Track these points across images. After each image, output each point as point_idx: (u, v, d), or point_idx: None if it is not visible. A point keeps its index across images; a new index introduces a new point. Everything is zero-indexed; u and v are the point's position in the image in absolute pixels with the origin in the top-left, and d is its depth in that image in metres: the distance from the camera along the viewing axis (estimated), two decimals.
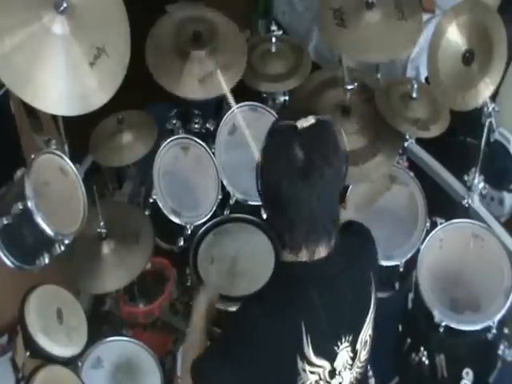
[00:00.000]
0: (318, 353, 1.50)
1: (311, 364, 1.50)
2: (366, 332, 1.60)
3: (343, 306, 1.54)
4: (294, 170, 1.43)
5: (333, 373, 1.55)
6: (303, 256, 1.52)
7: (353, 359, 1.59)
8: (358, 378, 1.63)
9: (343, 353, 1.56)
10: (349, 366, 1.59)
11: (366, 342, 1.61)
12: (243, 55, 2.70)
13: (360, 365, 1.62)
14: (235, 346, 1.52)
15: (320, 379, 1.54)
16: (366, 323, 1.59)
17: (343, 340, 1.55)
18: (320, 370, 1.53)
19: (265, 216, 2.60)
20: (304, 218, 1.46)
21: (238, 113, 2.28)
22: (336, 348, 1.54)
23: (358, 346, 1.59)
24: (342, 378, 1.58)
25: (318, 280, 1.52)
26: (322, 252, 1.52)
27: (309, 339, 1.48)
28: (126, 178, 3.03)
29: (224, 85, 2.07)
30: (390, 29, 2.48)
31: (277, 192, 1.46)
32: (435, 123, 2.56)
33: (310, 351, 1.49)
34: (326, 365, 1.53)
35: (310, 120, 1.44)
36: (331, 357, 1.54)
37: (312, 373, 1.51)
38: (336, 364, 1.55)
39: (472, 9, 2.34)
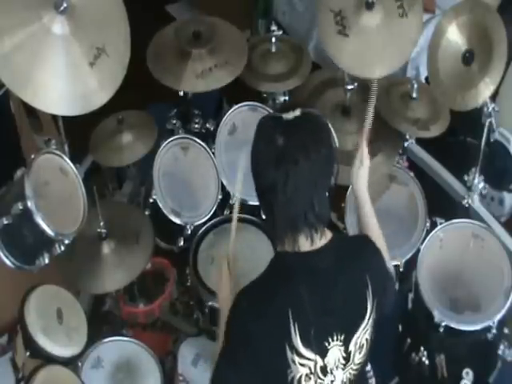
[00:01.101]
0: (307, 344, 1.51)
1: (300, 355, 1.52)
2: (362, 336, 1.60)
3: (330, 300, 1.55)
4: (270, 154, 1.49)
5: (324, 369, 1.56)
6: (288, 246, 1.56)
7: (346, 360, 1.59)
8: (351, 380, 1.64)
9: (335, 350, 1.56)
10: (341, 366, 1.59)
11: (361, 345, 1.61)
12: (243, 51, 2.70)
13: (354, 367, 1.62)
14: (233, 346, 1.55)
15: (311, 373, 1.54)
16: (362, 327, 1.59)
17: (334, 337, 1.55)
18: (311, 364, 1.53)
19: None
20: (281, 205, 1.51)
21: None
22: (326, 344, 1.55)
23: (352, 348, 1.59)
24: (334, 376, 1.58)
25: (303, 270, 1.55)
26: (304, 244, 1.55)
27: (296, 327, 1.50)
28: (126, 178, 3.03)
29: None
30: (392, 31, 2.46)
31: (256, 174, 1.54)
32: (435, 123, 2.56)
33: (297, 341, 1.50)
34: (316, 358, 1.54)
35: (296, 112, 1.51)
36: (321, 351, 1.54)
37: (302, 365, 1.53)
38: (327, 360, 1.56)
39: (472, 9, 2.34)
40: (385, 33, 2.44)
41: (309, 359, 1.53)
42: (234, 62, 2.64)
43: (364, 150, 1.98)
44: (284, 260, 1.58)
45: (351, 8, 2.47)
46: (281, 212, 1.52)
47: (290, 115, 1.51)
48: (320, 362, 1.55)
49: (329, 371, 1.57)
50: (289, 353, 1.50)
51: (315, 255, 1.56)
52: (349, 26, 2.46)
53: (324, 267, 1.56)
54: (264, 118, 1.58)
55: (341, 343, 1.57)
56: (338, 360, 1.58)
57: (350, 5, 2.48)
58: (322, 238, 1.57)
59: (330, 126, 1.58)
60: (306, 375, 1.54)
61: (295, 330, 1.50)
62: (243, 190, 2.66)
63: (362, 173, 1.94)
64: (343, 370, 1.60)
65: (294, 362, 1.51)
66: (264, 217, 1.63)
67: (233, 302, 1.63)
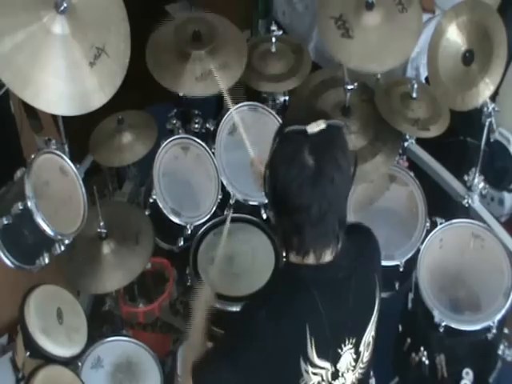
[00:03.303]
0: (321, 355, 1.50)
1: (314, 365, 1.50)
2: (369, 334, 1.60)
3: (345, 310, 1.54)
4: (304, 178, 1.41)
5: (336, 374, 1.55)
6: (310, 259, 1.51)
7: (355, 360, 1.59)
8: (359, 379, 1.63)
9: (346, 355, 1.56)
10: (351, 368, 1.59)
11: (369, 343, 1.61)
12: (243, 54, 2.70)
13: (362, 366, 1.62)
14: (238, 350, 1.51)
15: (322, 380, 1.54)
16: (370, 325, 1.59)
17: (347, 343, 1.54)
18: (323, 372, 1.53)
19: (265, 216, 2.61)
20: (314, 223, 1.44)
21: (234, 114, 2.23)
22: (340, 350, 1.54)
23: (361, 348, 1.59)
24: (344, 378, 1.58)
25: (322, 283, 1.52)
26: (328, 255, 1.52)
27: (313, 342, 1.48)
28: (126, 178, 3.03)
29: (222, 84, 2.07)
30: (394, 27, 2.47)
31: (286, 197, 1.44)
32: (435, 123, 2.56)
33: (313, 353, 1.49)
34: (329, 366, 1.53)
35: (321, 125, 1.43)
36: (334, 359, 1.54)
37: (315, 374, 1.51)
38: (339, 366, 1.55)
39: (472, 9, 2.34)
40: (387, 30, 2.46)
41: (322, 368, 1.52)
42: (234, 65, 2.63)
43: None
44: (301, 273, 1.53)
45: (351, 11, 2.49)
46: (312, 230, 1.46)
47: (314, 129, 1.42)
48: (332, 369, 1.54)
49: (340, 375, 1.56)
50: (302, 364, 1.48)
51: (333, 266, 1.52)
52: (351, 28, 2.47)
53: (340, 277, 1.53)
54: (286, 132, 1.45)
55: (351, 346, 1.56)
56: (350, 363, 1.57)
57: (349, 8, 2.49)
58: (341, 244, 1.54)
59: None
60: (318, 382, 1.53)
61: (311, 344, 1.48)
62: (241, 189, 2.69)
63: None
64: (353, 371, 1.59)
65: (307, 371, 1.50)
66: (276, 231, 1.55)
67: (247, 308, 1.59)
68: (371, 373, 1.92)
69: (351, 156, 1.48)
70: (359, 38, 2.46)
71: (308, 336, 1.47)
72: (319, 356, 1.50)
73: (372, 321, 1.59)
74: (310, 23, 3.64)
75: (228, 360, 1.50)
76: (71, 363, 2.20)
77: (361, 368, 1.62)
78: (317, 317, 1.49)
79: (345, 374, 1.57)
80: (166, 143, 2.64)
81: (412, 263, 2.49)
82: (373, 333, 1.61)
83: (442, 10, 3.15)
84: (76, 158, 2.30)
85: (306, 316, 1.49)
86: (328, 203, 1.42)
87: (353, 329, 1.56)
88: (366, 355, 1.61)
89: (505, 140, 2.84)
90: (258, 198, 2.60)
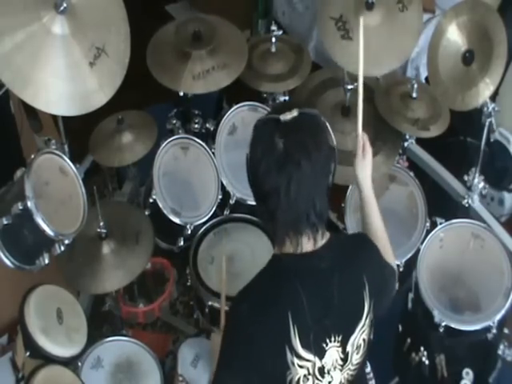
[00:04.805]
0: (305, 345, 1.51)
1: (299, 357, 1.51)
2: (360, 336, 1.59)
3: (328, 301, 1.55)
4: (271, 159, 1.47)
5: (322, 370, 1.56)
6: (287, 247, 1.55)
7: (343, 360, 1.59)
8: (349, 380, 1.63)
9: (332, 351, 1.56)
10: (339, 367, 1.59)
11: (359, 346, 1.60)
12: (243, 54, 2.70)
13: (352, 368, 1.62)
14: (232, 352, 1.54)
15: (309, 374, 1.54)
16: (359, 327, 1.59)
17: (332, 338, 1.55)
18: (309, 365, 1.53)
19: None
20: (284, 208, 1.48)
21: None
22: (324, 345, 1.54)
23: (349, 349, 1.59)
24: (331, 377, 1.58)
25: (303, 271, 1.54)
26: (306, 245, 1.54)
27: (295, 329, 1.49)
28: (126, 178, 3.03)
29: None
30: (395, 26, 2.47)
31: (257, 181, 1.51)
32: (435, 123, 2.56)
33: (297, 342, 1.50)
34: (314, 360, 1.54)
35: (293, 113, 1.48)
36: (319, 352, 1.54)
37: (301, 367, 1.52)
38: (324, 361, 1.55)
39: (472, 9, 2.34)
40: (388, 29, 2.45)
41: (307, 360, 1.53)
42: (233, 65, 2.64)
43: (363, 137, 1.91)
44: (282, 262, 1.57)
45: (351, 11, 2.48)
46: (283, 215, 1.50)
47: (287, 116, 1.48)
48: (318, 363, 1.55)
49: (326, 372, 1.57)
50: (289, 355, 1.50)
51: (315, 255, 1.55)
52: (351, 29, 2.46)
53: (323, 267, 1.55)
54: (260, 120, 1.54)
55: (338, 344, 1.56)
56: (336, 361, 1.57)
57: (349, 8, 2.49)
58: (324, 238, 1.56)
59: (327, 124, 1.57)
60: (304, 376, 1.54)
61: (295, 332, 1.49)
62: (241, 189, 2.69)
63: (365, 162, 1.89)
64: (341, 370, 1.59)
65: (293, 363, 1.51)
66: (263, 222, 1.60)
67: (231, 307, 1.62)
68: (371, 374, 1.92)
69: (326, 148, 1.51)
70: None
71: (291, 323, 1.49)
72: (303, 346, 1.51)
73: (362, 324, 1.59)
74: (310, 23, 3.64)
75: (230, 370, 1.53)
76: (71, 363, 2.20)
77: (351, 370, 1.62)
78: (298, 304, 1.51)
79: (332, 372, 1.57)
80: (165, 143, 2.65)
81: (412, 263, 2.49)
82: (364, 336, 1.61)
83: (442, 9, 3.16)
84: (76, 158, 2.30)
85: (288, 303, 1.51)
86: (296, 189, 1.46)
87: (338, 325, 1.56)
88: (355, 358, 1.61)
89: (505, 140, 2.84)
90: None
